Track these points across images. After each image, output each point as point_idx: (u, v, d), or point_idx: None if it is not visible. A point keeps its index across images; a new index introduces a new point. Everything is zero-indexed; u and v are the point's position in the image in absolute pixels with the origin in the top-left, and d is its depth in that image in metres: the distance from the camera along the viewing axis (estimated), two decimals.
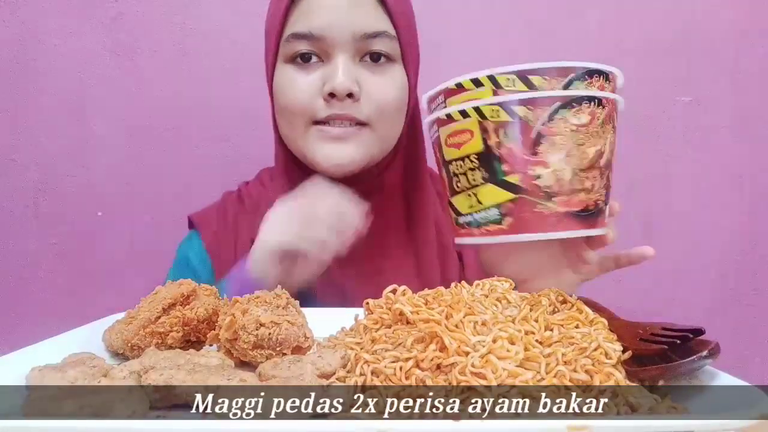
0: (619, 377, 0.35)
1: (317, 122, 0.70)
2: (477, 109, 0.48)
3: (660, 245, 1.17)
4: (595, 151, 0.49)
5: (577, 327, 0.41)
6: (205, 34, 1.11)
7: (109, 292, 1.11)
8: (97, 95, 1.11)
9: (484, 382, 0.34)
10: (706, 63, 1.16)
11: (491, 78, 0.48)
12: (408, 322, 0.41)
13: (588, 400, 0.34)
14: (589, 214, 0.49)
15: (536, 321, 0.41)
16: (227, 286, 0.63)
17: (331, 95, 0.67)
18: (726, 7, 1.15)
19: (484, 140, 0.48)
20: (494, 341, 0.37)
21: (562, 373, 0.36)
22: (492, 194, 0.49)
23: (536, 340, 0.39)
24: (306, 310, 0.48)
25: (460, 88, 0.49)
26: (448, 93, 0.50)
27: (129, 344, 0.46)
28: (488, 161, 0.48)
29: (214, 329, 0.46)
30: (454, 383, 0.35)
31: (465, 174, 0.50)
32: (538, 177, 0.47)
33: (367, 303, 0.46)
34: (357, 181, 0.69)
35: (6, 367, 0.40)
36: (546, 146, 0.47)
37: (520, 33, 1.14)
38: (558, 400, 0.34)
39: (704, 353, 0.35)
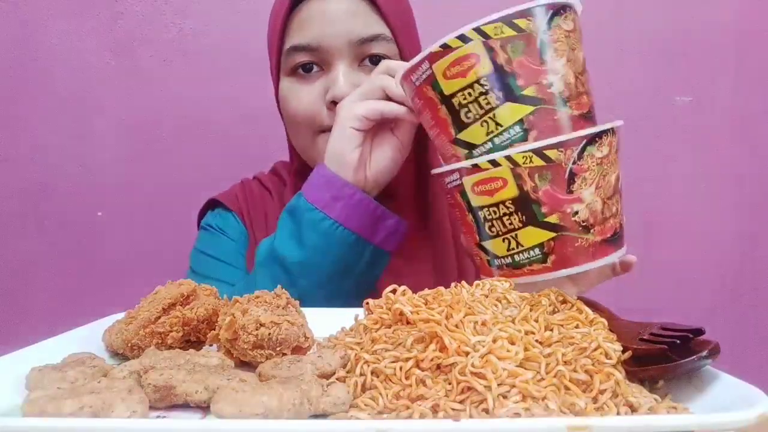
0: (619, 377, 0.35)
1: (324, 131, 0.71)
2: (508, 158, 0.49)
3: (660, 245, 1.18)
4: (615, 177, 0.51)
5: (577, 327, 0.41)
6: (205, 34, 1.12)
7: (109, 292, 1.11)
8: (97, 95, 1.11)
9: (484, 382, 0.34)
10: (706, 63, 1.16)
11: (478, 30, 0.49)
12: (408, 322, 0.41)
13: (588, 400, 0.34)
14: (618, 237, 0.52)
15: (536, 321, 0.41)
16: (305, 192, 0.64)
17: (334, 103, 0.68)
18: (726, 7, 1.15)
19: (519, 186, 0.49)
20: (494, 341, 0.37)
21: (562, 373, 0.35)
22: (533, 236, 0.50)
23: (536, 340, 0.39)
24: (306, 310, 0.48)
25: (446, 48, 0.50)
26: (434, 57, 0.51)
27: (129, 344, 0.46)
28: (526, 205, 0.49)
29: (214, 329, 0.46)
30: (454, 383, 0.35)
31: (500, 219, 0.51)
32: (576, 213, 0.49)
33: (367, 303, 0.46)
34: None
35: (6, 367, 0.40)
36: (579, 183, 0.49)
37: None
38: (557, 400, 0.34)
39: (704, 353, 0.35)
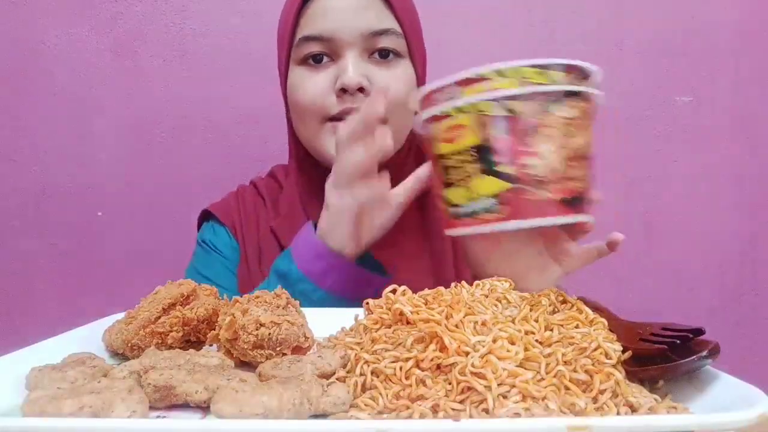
0: (619, 377, 0.35)
1: (331, 119, 0.71)
2: (473, 105, 0.50)
3: (660, 245, 1.18)
4: (583, 143, 0.52)
5: (577, 327, 0.41)
6: (205, 34, 1.12)
7: (109, 292, 1.11)
8: (97, 95, 1.11)
9: (484, 382, 0.34)
10: (706, 63, 1.16)
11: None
12: (408, 322, 0.41)
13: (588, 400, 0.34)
14: (578, 201, 0.52)
15: (536, 321, 0.41)
16: (296, 259, 0.63)
17: (343, 90, 0.69)
18: (726, 7, 1.15)
19: (480, 134, 0.51)
20: (494, 341, 0.37)
21: (562, 373, 0.36)
22: (488, 184, 0.51)
23: (536, 340, 0.39)
24: (306, 310, 0.48)
25: (480, 78, 0.51)
26: (466, 83, 0.52)
27: (129, 344, 0.46)
28: (483, 153, 0.51)
29: (214, 329, 0.46)
30: (454, 383, 0.35)
31: (461, 166, 0.53)
32: (531, 167, 0.50)
33: (367, 303, 0.46)
34: None
35: (6, 367, 0.40)
36: (537, 138, 0.50)
37: (521, 33, 1.14)
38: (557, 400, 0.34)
39: (704, 353, 0.35)
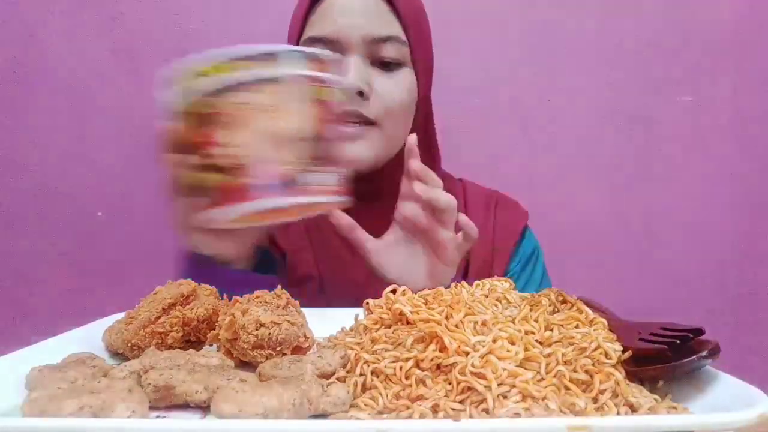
0: (619, 377, 0.35)
1: None
2: (178, 105, 0.53)
3: (660, 245, 1.18)
4: (286, 126, 0.52)
5: (577, 327, 0.41)
6: (205, 34, 1.12)
7: (109, 292, 1.11)
8: (97, 95, 1.11)
9: (484, 382, 0.34)
10: (706, 63, 1.16)
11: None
12: (408, 322, 0.41)
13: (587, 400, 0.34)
14: (293, 184, 0.53)
15: (536, 321, 0.41)
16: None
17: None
18: (726, 7, 1.15)
19: (184, 131, 0.53)
20: (494, 341, 0.37)
21: (562, 373, 0.36)
22: (199, 179, 0.53)
23: (536, 340, 0.39)
24: (306, 310, 0.48)
25: (179, 78, 0.55)
26: (170, 83, 0.56)
27: (129, 344, 0.46)
28: (189, 150, 0.53)
29: (214, 329, 0.46)
30: (454, 383, 0.35)
31: (182, 164, 0.55)
32: (227, 156, 0.52)
33: (367, 303, 0.46)
34: (365, 182, 0.69)
35: (6, 367, 0.40)
36: (232, 127, 0.52)
37: (521, 33, 1.14)
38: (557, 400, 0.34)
39: (704, 353, 0.35)
